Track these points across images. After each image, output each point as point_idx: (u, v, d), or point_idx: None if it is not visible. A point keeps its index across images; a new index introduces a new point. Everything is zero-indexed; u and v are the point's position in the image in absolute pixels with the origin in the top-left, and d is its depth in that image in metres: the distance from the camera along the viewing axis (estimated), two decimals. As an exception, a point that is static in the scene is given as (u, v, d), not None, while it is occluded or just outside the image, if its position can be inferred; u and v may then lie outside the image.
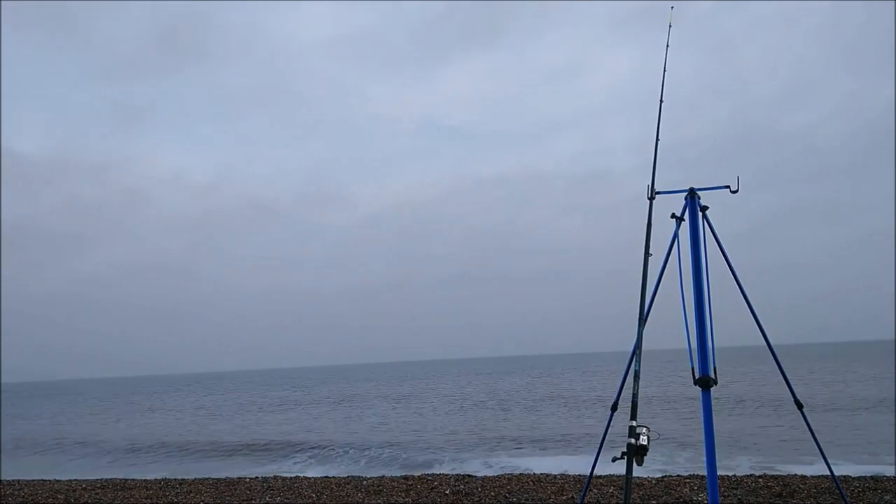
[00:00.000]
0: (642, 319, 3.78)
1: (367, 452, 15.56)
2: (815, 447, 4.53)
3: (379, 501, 7.72)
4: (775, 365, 4.52)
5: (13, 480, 11.96)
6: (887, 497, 6.64)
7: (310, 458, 15.42)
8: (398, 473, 10.84)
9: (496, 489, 7.97)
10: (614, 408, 4.65)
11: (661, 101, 4.65)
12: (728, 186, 4.14)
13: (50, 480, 11.73)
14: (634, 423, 3.38)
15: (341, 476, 10.68)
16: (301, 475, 11.18)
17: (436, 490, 8.11)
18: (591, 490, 7.45)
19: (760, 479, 7.86)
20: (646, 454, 3.20)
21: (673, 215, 4.26)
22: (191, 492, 9.16)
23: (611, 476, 8.17)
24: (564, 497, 7.36)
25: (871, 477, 7.91)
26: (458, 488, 8.12)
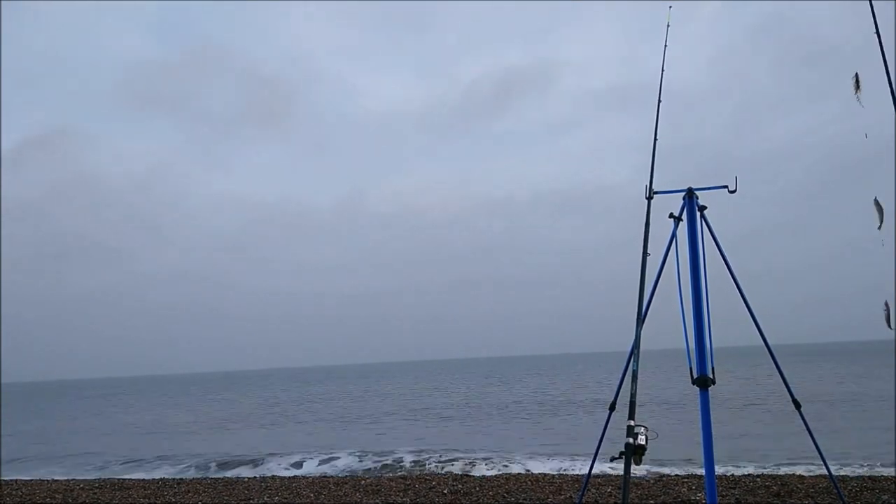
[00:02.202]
0: (640, 319, 3.78)
1: (369, 453, 15.56)
2: (813, 447, 4.54)
3: (377, 501, 7.71)
4: (773, 364, 4.52)
5: (11, 480, 11.94)
6: (885, 497, 6.65)
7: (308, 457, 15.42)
8: (396, 473, 10.84)
9: (494, 489, 7.97)
10: (612, 407, 4.65)
11: (659, 100, 4.65)
12: (726, 186, 4.14)
13: (48, 480, 11.72)
14: (632, 423, 3.38)
15: (340, 475, 10.68)
16: (299, 475, 11.17)
17: (434, 490, 8.10)
18: (589, 489, 7.45)
19: (758, 479, 7.87)
20: (644, 454, 3.20)
21: (671, 215, 4.26)
22: (189, 491, 9.15)
23: (609, 475, 8.18)
24: (563, 496, 7.36)
25: (869, 477, 7.92)
26: (456, 488, 8.11)
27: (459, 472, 10.23)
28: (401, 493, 8.02)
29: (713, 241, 4.25)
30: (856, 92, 4.33)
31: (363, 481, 9.25)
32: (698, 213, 4.17)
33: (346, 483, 9.15)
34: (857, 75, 4.28)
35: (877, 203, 4.32)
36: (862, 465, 10.12)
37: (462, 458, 13.35)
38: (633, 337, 3.71)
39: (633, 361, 3.56)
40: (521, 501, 7.27)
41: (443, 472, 10.74)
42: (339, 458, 14.96)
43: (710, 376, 4.06)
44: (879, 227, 4.33)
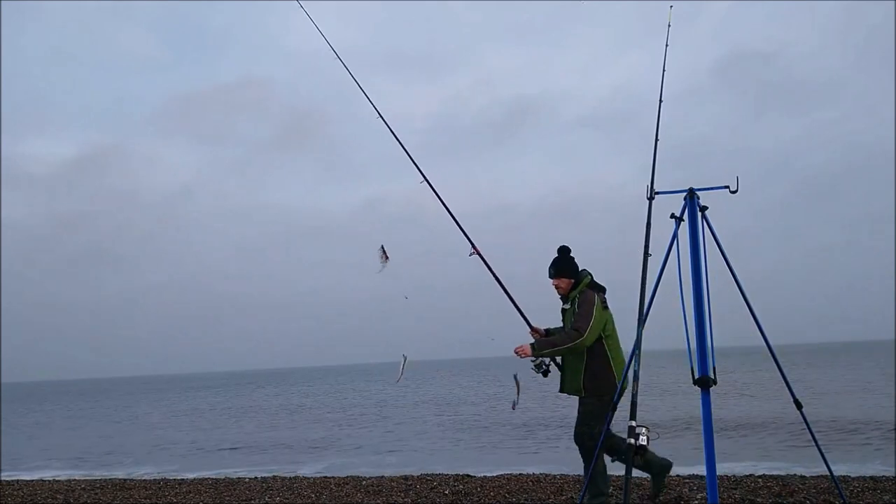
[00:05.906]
0: (642, 320, 3.77)
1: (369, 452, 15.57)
2: (815, 447, 4.54)
3: (378, 501, 7.71)
4: (774, 365, 4.52)
5: (12, 480, 11.96)
6: (886, 497, 6.64)
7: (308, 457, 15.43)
8: (398, 473, 10.83)
9: (495, 489, 7.96)
10: (613, 408, 4.65)
11: (661, 100, 4.65)
12: (727, 187, 4.14)
13: (49, 480, 11.73)
14: (634, 423, 3.38)
15: (340, 476, 10.68)
16: (300, 475, 11.18)
17: (435, 490, 8.10)
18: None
19: (760, 479, 7.85)
20: (645, 454, 3.19)
21: (672, 215, 4.26)
22: (190, 492, 9.16)
23: (610, 476, 8.16)
24: (564, 497, 7.35)
25: (871, 477, 7.90)
26: (457, 488, 8.11)
27: (461, 473, 10.22)
28: (402, 494, 8.02)
29: (714, 241, 4.26)
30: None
31: (364, 481, 9.25)
32: (699, 214, 4.17)
33: (348, 483, 9.15)
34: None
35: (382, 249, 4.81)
36: (864, 466, 10.11)
37: (463, 458, 13.35)
38: (635, 337, 3.71)
39: (635, 362, 3.55)
40: (522, 502, 7.27)
41: (444, 472, 10.74)
42: (340, 458, 14.98)
43: (712, 377, 4.06)
44: (379, 271, 4.84)
